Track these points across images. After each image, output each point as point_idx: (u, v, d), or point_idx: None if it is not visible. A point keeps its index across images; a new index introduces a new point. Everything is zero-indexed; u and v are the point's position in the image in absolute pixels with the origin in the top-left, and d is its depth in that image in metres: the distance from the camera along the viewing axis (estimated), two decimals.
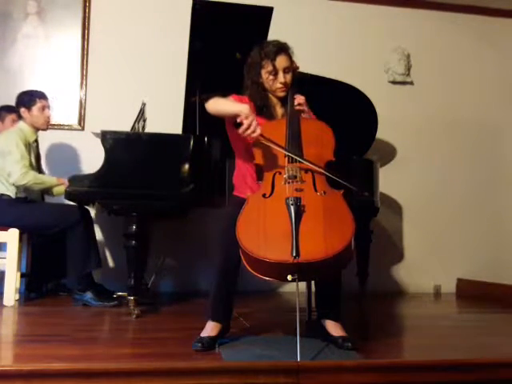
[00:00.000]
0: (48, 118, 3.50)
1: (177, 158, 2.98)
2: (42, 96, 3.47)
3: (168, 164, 2.97)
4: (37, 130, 3.49)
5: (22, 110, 3.43)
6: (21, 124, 3.46)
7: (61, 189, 3.33)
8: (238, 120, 2.10)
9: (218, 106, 2.26)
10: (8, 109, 3.72)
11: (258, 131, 2.09)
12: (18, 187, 3.32)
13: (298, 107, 2.33)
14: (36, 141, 3.52)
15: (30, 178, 3.29)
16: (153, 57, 4.25)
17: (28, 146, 3.39)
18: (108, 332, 2.69)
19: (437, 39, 4.79)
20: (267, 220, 2.00)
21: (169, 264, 4.09)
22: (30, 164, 3.37)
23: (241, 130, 2.09)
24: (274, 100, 2.40)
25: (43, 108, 3.46)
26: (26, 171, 3.27)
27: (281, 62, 2.31)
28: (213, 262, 2.22)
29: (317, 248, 1.90)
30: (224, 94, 2.33)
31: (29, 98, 3.44)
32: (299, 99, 2.34)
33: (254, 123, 2.08)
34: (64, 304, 3.35)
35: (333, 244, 1.91)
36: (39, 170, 3.57)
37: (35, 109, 3.43)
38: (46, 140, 3.72)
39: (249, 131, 2.08)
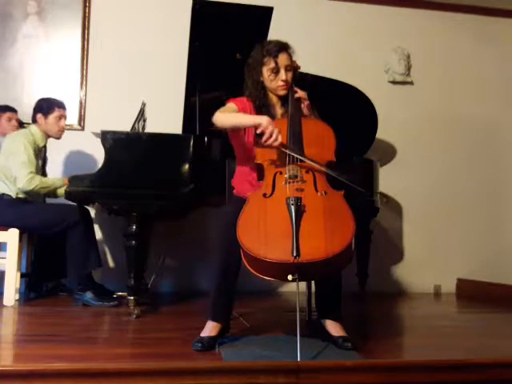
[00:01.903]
0: (63, 128, 3.49)
1: (177, 157, 2.98)
2: (60, 105, 3.47)
3: (168, 164, 2.97)
4: (48, 137, 3.49)
5: (39, 116, 3.42)
6: (32, 128, 3.44)
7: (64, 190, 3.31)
8: (259, 131, 2.12)
9: (231, 120, 2.25)
10: (2, 108, 3.70)
11: (280, 139, 2.11)
12: (24, 192, 3.31)
13: (298, 95, 2.35)
14: (44, 146, 3.52)
15: (37, 182, 3.27)
16: (153, 57, 4.25)
17: (36, 149, 3.38)
18: (108, 332, 2.69)
19: (437, 39, 4.79)
20: (268, 220, 2.00)
21: (169, 264, 4.09)
22: (36, 169, 3.35)
23: (263, 140, 2.11)
24: (274, 99, 2.41)
25: (60, 117, 3.45)
26: (32, 176, 3.25)
27: (282, 59, 2.32)
28: (213, 261, 2.21)
29: (317, 248, 1.90)
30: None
31: (47, 106, 3.43)
32: (300, 93, 2.36)
33: (276, 132, 2.10)
34: (64, 304, 3.35)
35: (333, 244, 1.91)
36: (44, 173, 3.55)
37: (52, 117, 3.42)
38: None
39: (270, 140, 2.10)
